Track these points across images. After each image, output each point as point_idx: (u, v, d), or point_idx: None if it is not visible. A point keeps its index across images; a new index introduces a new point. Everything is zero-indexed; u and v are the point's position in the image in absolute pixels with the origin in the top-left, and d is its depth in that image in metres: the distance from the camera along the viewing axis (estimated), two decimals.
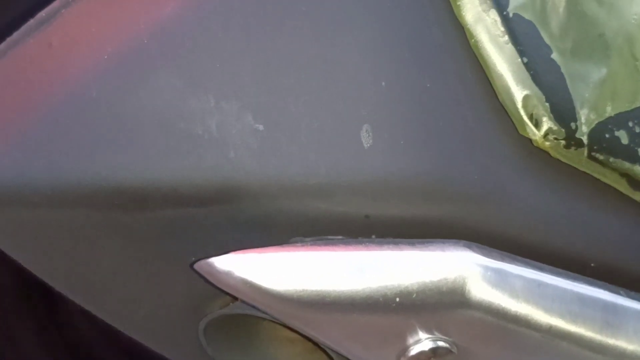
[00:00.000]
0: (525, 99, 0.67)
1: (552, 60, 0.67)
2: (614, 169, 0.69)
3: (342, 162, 0.67)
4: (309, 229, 0.68)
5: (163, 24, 0.67)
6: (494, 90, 0.68)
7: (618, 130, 0.68)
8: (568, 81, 0.67)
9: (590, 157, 0.68)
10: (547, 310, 0.68)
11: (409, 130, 0.67)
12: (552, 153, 0.68)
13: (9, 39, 0.70)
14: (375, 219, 0.68)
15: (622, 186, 0.70)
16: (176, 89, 0.66)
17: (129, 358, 1.11)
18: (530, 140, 0.68)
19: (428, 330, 0.68)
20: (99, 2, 0.69)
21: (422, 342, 0.69)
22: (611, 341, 0.70)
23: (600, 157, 0.68)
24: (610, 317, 0.70)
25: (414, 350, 0.69)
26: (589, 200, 0.71)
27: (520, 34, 0.67)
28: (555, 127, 0.67)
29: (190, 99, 0.66)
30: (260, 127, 0.66)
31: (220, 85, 0.66)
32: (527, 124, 0.67)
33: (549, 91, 0.67)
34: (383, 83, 0.67)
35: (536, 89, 0.67)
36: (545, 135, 0.67)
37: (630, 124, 0.68)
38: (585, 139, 0.68)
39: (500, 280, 0.67)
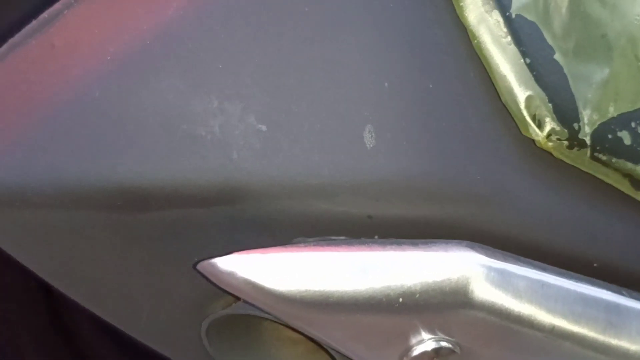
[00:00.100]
0: (528, 99, 0.67)
1: (555, 60, 0.67)
2: (617, 170, 0.69)
3: (345, 162, 0.67)
4: (312, 230, 0.68)
5: (166, 25, 0.67)
6: (496, 90, 0.68)
7: (621, 130, 0.68)
8: (571, 82, 0.67)
9: (593, 157, 0.68)
10: (550, 310, 0.68)
11: (412, 131, 0.67)
12: (555, 153, 0.68)
13: (11, 40, 0.70)
14: (378, 219, 0.68)
15: (625, 186, 0.70)
16: (179, 90, 0.66)
17: (130, 358, 1.11)
18: (533, 140, 0.68)
19: (431, 330, 0.68)
20: (101, 4, 0.69)
21: (425, 342, 0.69)
22: (614, 341, 0.70)
23: (603, 157, 0.68)
24: (613, 317, 0.70)
25: (417, 351, 0.69)
26: (592, 200, 0.71)
27: (523, 34, 0.67)
28: (558, 128, 0.67)
29: (193, 100, 0.66)
30: (263, 128, 0.66)
31: (222, 86, 0.66)
32: (530, 125, 0.67)
33: (552, 92, 0.67)
34: (386, 84, 0.67)
35: (539, 89, 0.67)
36: (548, 135, 0.67)
37: (633, 124, 0.68)
38: (588, 140, 0.68)
39: (503, 281, 0.67)
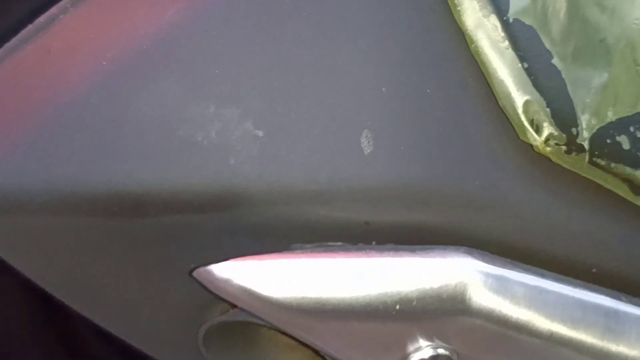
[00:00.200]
0: (526, 104, 0.67)
1: (553, 65, 0.67)
2: (616, 174, 0.69)
3: (342, 168, 0.66)
4: (309, 236, 0.68)
5: (162, 30, 0.67)
6: (494, 95, 0.67)
7: (619, 135, 0.68)
8: (569, 86, 0.67)
9: (591, 162, 0.68)
10: (549, 316, 0.68)
11: (409, 136, 0.67)
12: (553, 158, 0.68)
13: (7, 45, 0.70)
14: (375, 225, 0.68)
15: (624, 191, 0.70)
16: (176, 96, 0.66)
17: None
18: (531, 145, 0.68)
19: (428, 337, 0.68)
20: (98, 8, 0.69)
21: (423, 349, 0.69)
22: (613, 347, 0.69)
23: (602, 162, 0.68)
24: (612, 323, 0.70)
25: (415, 358, 0.69)
26: (590, 205, 0.71)
27: (520, 39, 0.66)
28: (556, 133, 0.67)
29: (190, 105, 0.66)
30: (260, 134, 0.66)
31: (219, 91, 0.66)
32: (528, 130, 0.67)
33: (550, 96, 0.67)
34: (383, 89, 0.66)
35: (537, 94, 0.67)
36: (546, 140, 0.67)
37: (632, 129, 0.68)
38: (586, 144, 0.67)
39: (501, 287, 0.67)
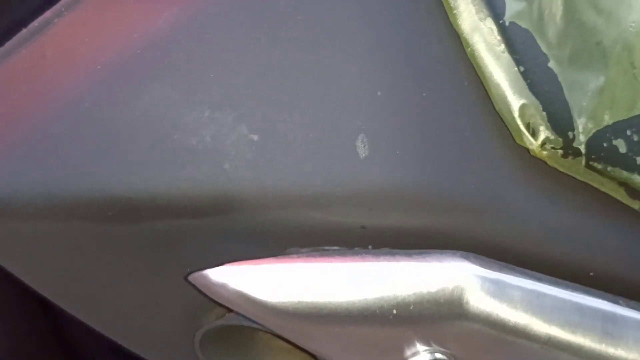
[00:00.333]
0: (522, 108, 0.67)
1: (549, 69, 0.66)
2: (612, 178, 0.69)
3: (338, 172, 0.66)
4: (305, 240, 0.68)
5: (157, 35, 0.67)
6: (490, 99, 0.67)
7: (616, 138, 0.68)
8: (565, 90, 0.67)
9: (588, 166, 0.68)
10: (546, 320, 0.68)
11: (405, 140, 0.66)
12: (550, 162, 0.68)
13: (1, 50, 0.70)
14: (371, 229, 0.68)
15: (620, 195, 0.70)
16: (170, 100, 0.66)
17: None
18: (527, 149, 0.68)
19: (426, 342, 0.68)
20: (92, 12, 0.69)
21: (420, 354, 0.68)
22: (611, 351, 0.69)
23: (598, 166, 0.68)
24: (609, 326, 0.69)
25: None
26: (587, 209, 0.70)
27: (516, 42, 0.66)
28: (552, 137, 0.67)
29: (185, 109, 0.66)
30: (255, 138, 0.66)
31: (214, 95, 0.66)
32: (524, 134, 0.67)
33: (546, 100, 0.66)
34: (379, 92, 0.66)
35: (533, 98, 0.66)
36: (543, 144, 0.67)
37: (629, 132, 0.68)
38: (582, 148, 0.67)
39: (498, 291, 0.67)
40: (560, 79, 0.66)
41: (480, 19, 0.67)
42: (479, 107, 0.67)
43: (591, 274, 0.71)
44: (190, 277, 0.67)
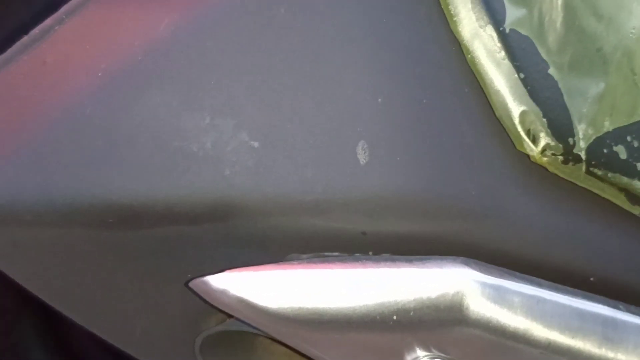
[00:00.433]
0: (523, 114, 0.67)
1: (550, 75, 0.66)
2: (613, 184, 0.69)
3: (339, 178, 0.66)
4: (306, 246, 0.68)
5: (158, 41, 0.67)
6: (491, 106, 0.67)
7: (616, 145, 0.68)
8: (565, 96, 0.67)
9: (588, 172, 0.68)
10: (546, 326, 0.68)
11: (406, 147, 0.66)
12: (550, 168, 0.68)
13: (2, 56, 0.70)
14: (372, 235, 0.68)
15: (621, 201, 0.70)
16: (170, 107, 0.66)
17: None
18: (527, 156, 0.68)
19: (426, 347, 0.68)
20: (93, 19, 0.69)
21: (421, 359, 0.68)
22: (611, 356, 0.69)
23: (599, 172, 0.68)
24: (609, 331, 0.69)
25: None
26: (588, 215, 0.70)
27: (517, 49, 0.66)
28: (552, 143, 0.67)
29: (185, 116, 0.66)
30: (256, 144, 0.66)
31: (214, 102, 0.66)
32: (525, 140, 0.67)
33: (547, 107, 0.66)
34: (379, 99, 0.66)
35: (533, 104, 0.66)
36: (543, 150, 0.67)
37: (629, 138, 0.68)
38: (583, 154, 0.67)
39: (498, 297, 0.67)
40: (560, 85, 0.67)
41: (481, 26, 0.67)
42: (480, 114, 0.67)
43: (591, 279, 0.71)
44: (191, 284, 0.67)
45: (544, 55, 0.66)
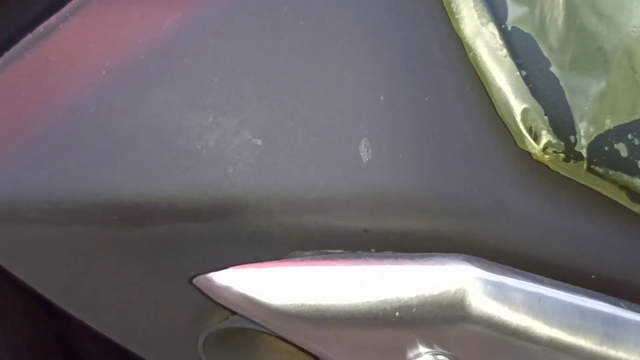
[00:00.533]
0: (524, 112, 0.67)
1: (551, 73, 0.67)
2: (614, 182, 0.69)
3: (341, 176, 0.66)
4: (308, 243, 0.68)
5: (161, 40, 0.67)
6: (492, 103, 0.67)
7: (617, 142, 0.68)
8: (567, 94, 0.67)
9: (589, 169, 0.68)
10: (548, 323, 0.68)
11: (408, 145, 0.67)
12: (552, 166, 0.68)
13: (6, 54, 0.70)
14: (374, 233, 0.68)
15: (622, 198, 0.70)
16: (174, 105, 0.66)
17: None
18: (529, 153, 0.68)
19: (428, 344, 0.68)
20: (97, 18, 0.69)
21: (423, 356, 0.69)
22: (612, 353, 0.69)
23: (600, 169, 0.68)
24: (610, 329, 0.70)
25: None
26: (589, 212, 0.71)
27: (519, 47, 0.66)
28: (554, 141, 0.67)
29: (188, 114, 0.66)
30: (259, 142, 0.66)
31: (218, 100, 0.66)
32: (526, 138, 0.67)
33: (548, 104, 0.67)
34: (382, 97, 0.66)
35: (535, 102, 0.67)
36: (545, 148, 0.67)
37: (630, 136, 0.68)
38: (584, 152, 0.68)
39: (500, 294, 0.67)
40: (561, 83, 0.67)
41: (483, 24, 0.67)
42: (481, 112, 0.68)
43: (592, 276, 0.72)
44: (195, 280, 0.68)
45: (545, 53, 0.67)
